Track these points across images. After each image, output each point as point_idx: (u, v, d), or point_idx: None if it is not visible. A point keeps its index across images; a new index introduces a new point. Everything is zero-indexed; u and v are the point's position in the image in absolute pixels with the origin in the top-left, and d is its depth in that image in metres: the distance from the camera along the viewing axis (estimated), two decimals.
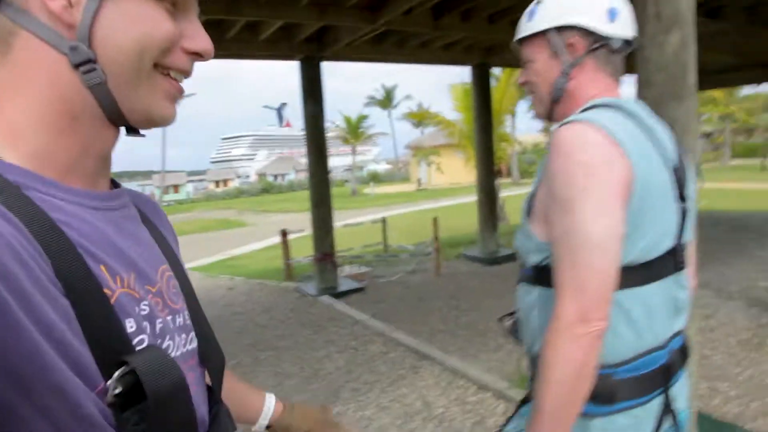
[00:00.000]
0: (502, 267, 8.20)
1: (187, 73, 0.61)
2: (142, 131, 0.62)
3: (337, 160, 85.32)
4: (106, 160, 0.62)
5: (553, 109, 1.25)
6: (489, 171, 9.04)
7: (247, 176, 77.97)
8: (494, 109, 15.77)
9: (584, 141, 1.03)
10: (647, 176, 1.04)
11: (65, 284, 0.48)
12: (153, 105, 0.59)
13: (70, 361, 0.46)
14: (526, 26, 1.25)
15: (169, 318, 0.62)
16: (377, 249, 10.31)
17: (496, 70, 13.94)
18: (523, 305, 1.22)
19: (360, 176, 47.75)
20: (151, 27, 0.55)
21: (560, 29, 1.19)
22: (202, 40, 0.60)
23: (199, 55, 0.61)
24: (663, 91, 2.65)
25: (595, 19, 1.16)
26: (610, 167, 1.01)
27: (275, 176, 67.87)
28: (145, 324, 0.56)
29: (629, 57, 1.26)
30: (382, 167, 69.53)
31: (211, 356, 0.70)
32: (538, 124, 42.16)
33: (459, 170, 25.75)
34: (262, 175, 69.81)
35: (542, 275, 1.13)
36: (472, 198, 9.61)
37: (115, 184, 0.66)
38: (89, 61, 0.53)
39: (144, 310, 0.57)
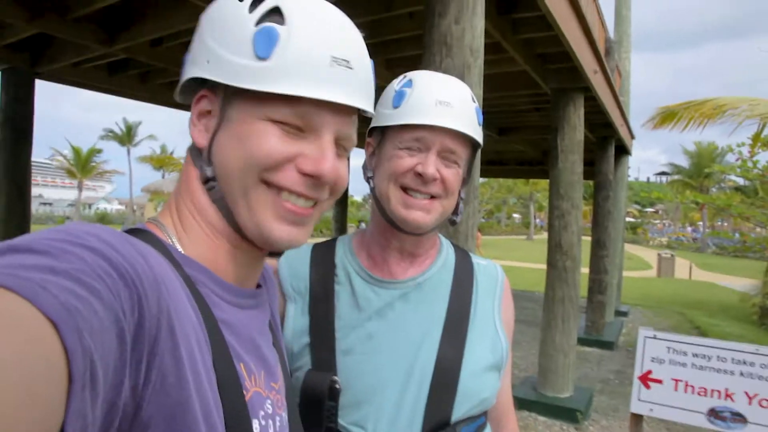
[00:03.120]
0: None
1: (299, 194, 0.61)
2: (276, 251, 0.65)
3: (59, 193, 74.28)
4: (256, 268, 0.67)
5: (436, 227, 1.06)
6: None
7: None
8: None
9: None
10: None
11: (217, 378, 0.53)
12: (263, 222, 0.60)
13: None
14: (477, 129, 1.03)
15: (283, 414, 0.67)
16: None
17: None
18: None
19: (86, 215, 42.08)
20: (255, 145, 0.58)
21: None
22: (315, 162, 0.60)
23: (315, 177, 0.60)
24: None
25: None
26: None
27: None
28: (268, 423, 0.61)
29: None
30: (114, 207, 62.63)
31: None
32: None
33: None
34: None
35: (487, 415, 1.09)
36: None
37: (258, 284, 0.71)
38: (211, 179, 0.61)
39: (268, 409, 0.62)
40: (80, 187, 37.25)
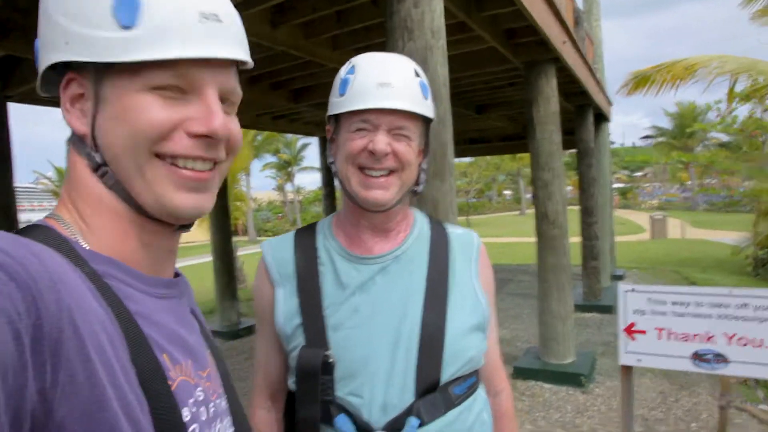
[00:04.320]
0: (244, 341, 7.40)
1: (197, 158, 0.59)
2: (185, 224, 0.63)
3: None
4: (169, 251, 0.64)
5: (400, 201, 1.10)
6: (225, 235, 8.23)
7: None
8: (230, 168, 15.23)
9: None
10: None
11: (138, 371, 0.52)
12: (164, 195, 0.58)
13: None
14: (422, 102, 1.06)
15: (218, 401, 0.65)
16: None
17: None
18: (464, 425, 1.07)
19: None
20: (138, 119, 0.55)
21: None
22: (204, 121, 0.58)
23: (207, 137, 0.58)
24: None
25: None
26: None
27: None
28: (200, 410, 0.60)
29: None
30: None
31: None
32: (273, 182, 43.17)
33: (194, 228, 24.26)
34: None
35: (479, 375, 1.16)
36: (209, 258, 8.68)
37: (176, 272, 0.69)
38: (102, 165, 0.58)
39: (199, 396, 0.61)
40: None
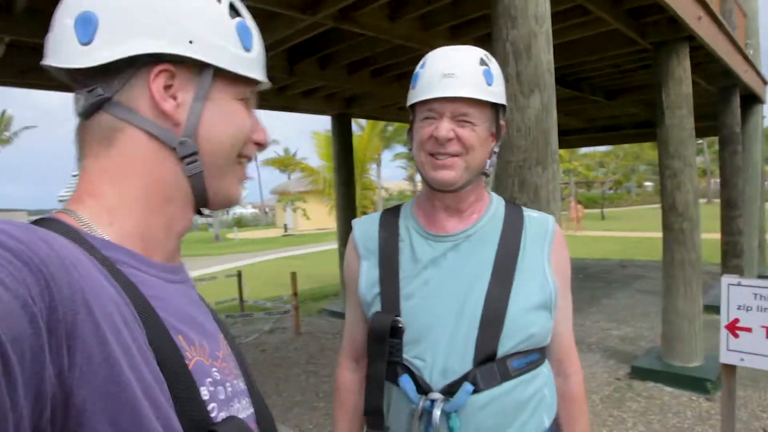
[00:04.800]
0: None
1: (251, 161, 0.71)
2: (209, 212, 0.70)
3: None
4: (178, 240, 0.68)
5: (470, 182, 1.18)
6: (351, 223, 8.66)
7: None
8: (359, 158, 15.77)
9: None
10: None
11: (155, 352, 0.52)
12: (232, 190, 0.69)
13: (162, 423, 0.49)
14: (485, 89, 1.13)
15: (235, 382, 0.66)
16: (232, 305, 9.40)
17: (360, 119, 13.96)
18: (521, 397, 1.14)
19: (225, 220, 45.77)
20: (240, 123, 0.67)
21: (503, 108, 1.20)
22: (265, 133, 0.72)
23: (260, 145, 0.71)
24: (526, 157, 2.45)
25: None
26: None
27: None
28: (218, 389, 0.61)
29: None
30: (248, 211, 67.54)
31: (265, 421, 0.71)
32: (403, 172, 43.93)
33: (325, 216, 25.62)
34: None
35: (545, 352, 1.21)
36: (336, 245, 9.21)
37: None
38: (194, 153, 0.63)
39: (216, 376, 0.62)
40: None
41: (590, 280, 10.28)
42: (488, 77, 1.13)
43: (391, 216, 1.30)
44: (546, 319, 1.16)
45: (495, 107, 1.16)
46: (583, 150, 37.64)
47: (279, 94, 7.13)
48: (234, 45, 0.65)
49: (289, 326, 7.75)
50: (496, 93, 1.15)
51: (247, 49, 0.66)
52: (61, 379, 0.41)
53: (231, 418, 0.60)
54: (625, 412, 4.17)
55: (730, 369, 2.30)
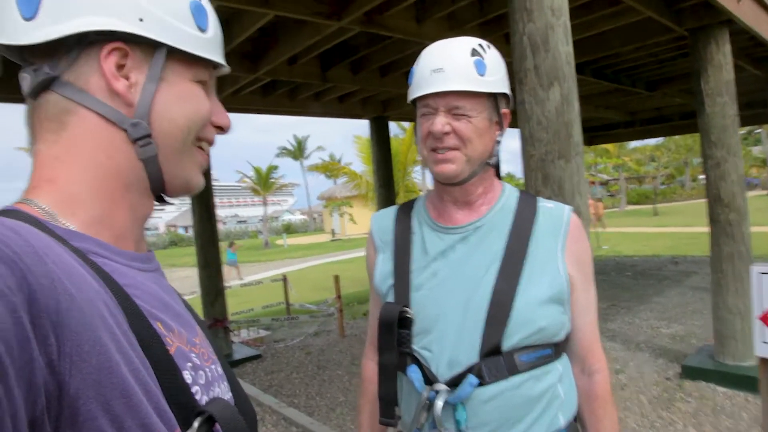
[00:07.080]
0: None
1: (212, 144, 0.70)
2: (169, 199, 0.68)
3: (251, 211, 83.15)
4: (143, 227, 0.67)
5: (474, 174, 1.17)
6: None
7: (156, 228, 73.99)
8: (401, 160, 15.78)
9: None
10: None
11: (138, 338, 0.52)
12: (191, 175, 0.67)
13: (152, 405, 0.50)
14: (476, 80, 1.11)
15: (213, 367, 0.66)
16: (279, 309, 9.59)
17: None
18: (530, 392, 1.11)
19: (274, 227, 46.65)
20: (197, 105, 0.65)
21: (504, 96, 1.18)
22: (225, 116, 0.71)
23: (221, 129, 0.71)
24: (548, 150, 2.43)
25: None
26: None
27: (186, 228, 64.00)
28: (198, 373, 0.61)
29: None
30: (297, 218, 68.61)
31: (244, 407, 0.70)
32: None
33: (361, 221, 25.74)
34: (171, 227, 66.56)
35: (560, 348, 1.18)
36: None
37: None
38: (147, 136, 0.61)
39: (196, 361, 0.62)
40: (265, 203, 40.66)
41: (640, 277, 9.96)
42: (480, 67, 1.11)
43: (405, 209, 1.33)
44: (557, 312, 1.14)
45: (493, 96, 1.15)
46: (633, 144, 36.45)
47: (315, 100, 7.26)
48: (188, 25, 0.63)
49: (334, 329, 7.86)
50: (490, 82, 1.13)
51: (202, 29, 0.65)
52: (51, 369, 0.41)
53: (217, 399, 0.60)
54: (674, 414, 4.03)
55: (766, 363, 2.19)
